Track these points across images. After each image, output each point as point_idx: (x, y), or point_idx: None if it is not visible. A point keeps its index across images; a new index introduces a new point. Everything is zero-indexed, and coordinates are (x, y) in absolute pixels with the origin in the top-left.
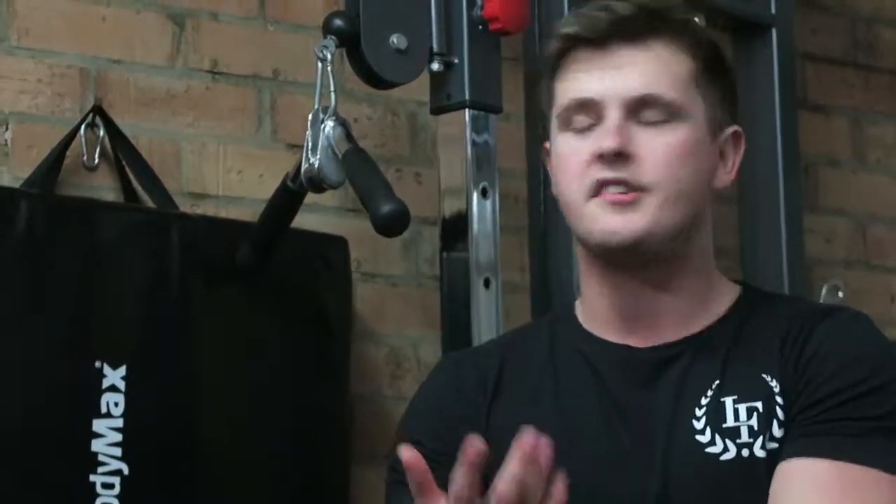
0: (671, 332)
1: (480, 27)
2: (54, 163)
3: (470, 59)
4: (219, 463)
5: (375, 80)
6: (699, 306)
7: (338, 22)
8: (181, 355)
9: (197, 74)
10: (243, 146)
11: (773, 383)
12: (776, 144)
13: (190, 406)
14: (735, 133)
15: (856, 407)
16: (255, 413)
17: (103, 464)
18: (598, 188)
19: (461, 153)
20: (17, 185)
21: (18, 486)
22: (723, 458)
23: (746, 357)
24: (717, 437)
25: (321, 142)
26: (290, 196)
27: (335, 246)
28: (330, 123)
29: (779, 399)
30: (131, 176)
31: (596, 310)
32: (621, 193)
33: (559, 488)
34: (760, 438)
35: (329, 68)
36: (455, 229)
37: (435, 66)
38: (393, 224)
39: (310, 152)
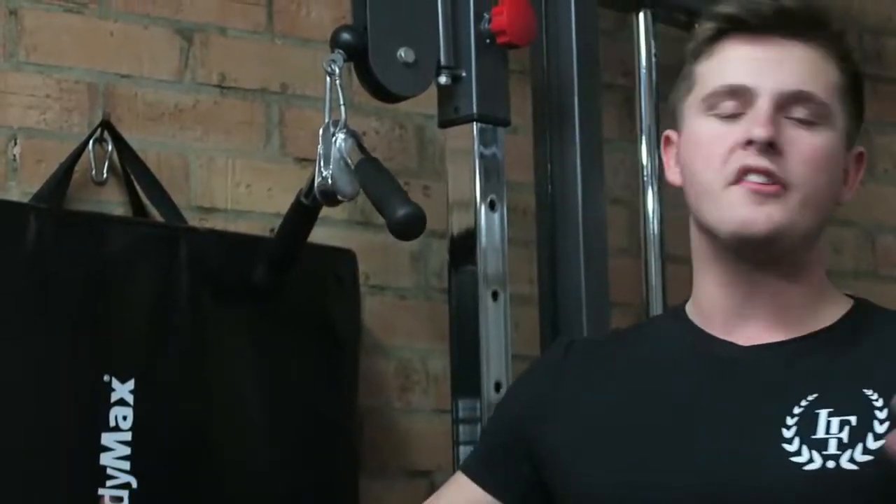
0: (776, 333)
1: (488, 40)
2: (63, 177)
3: (478, 72)
4: (227, 476)
5: (383, 93)
6: (808, 313)
7: (345, 36)
8: (189, 369)
9: (205, 89)
10: (252, 160)
11: (875, 397)
12: None
13: (198, 419)
14: (860, 154)
15: None
16: (264, 426)
17: (112, 477)
18: (741, 175)
19: (469, 166)
20: (26, 199)
21: (27, 499)
22: (807, 468)
23: (850, 370)
24: (805, 448)
25: (333, 154)
26: (304, 212)
27: (344, 259)
28: (341, 136)
29: (879, 414)
30: (140, 190)
31: (704, 304)
32: (765, 184)
33: None
34: (849, 451)
35: (338, 82)
36: (463, 242)
37: (442, 79)
38: (409, 227)
39: (322, 166)
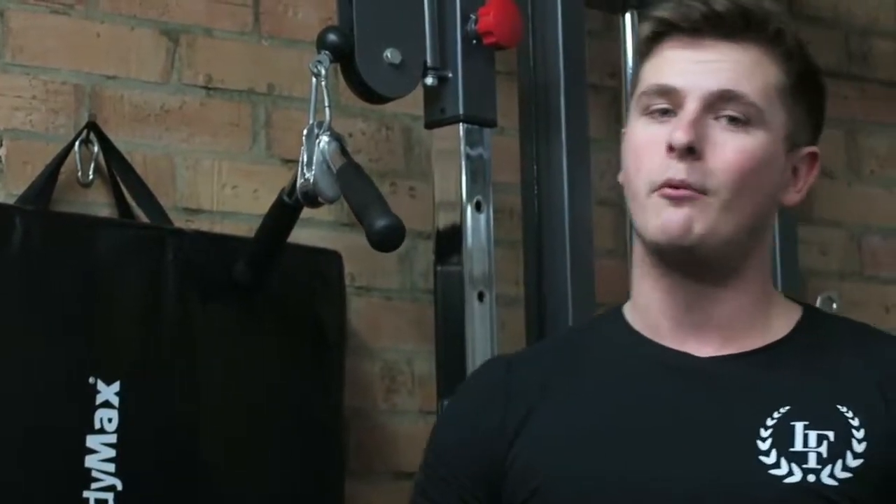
0: (728, 344)
1: (474, 41)
2: (49, 179)
3: (464, 73)
4: (213, 478)
5: (370, 94)
6: (757, 321)
7: (332, 37)
8: (175, 370)
9: (191, 90)
10: (238, 161)
11: (850, 415)
12: None
13: (184, 421)
14: (812, 154)
15: None
16: (250, 428)
17: (97, 479)
18: (662, 185)
19: (455, 167)
20: (11, 201)
21: (12, 500)
22: (787, 480)
23: (818, 382)
24: (783, 460)
25: (316, 157)
26: (286, 211)
27: (330, 260)
28: (325, 138)
29: (856, 433)
30: (126, 192)
31: (648, 312)
32: (682, 191)
33: None
34: (829, 467)
35: (323, 83)
36: (449, 243)
37: (429, 80)
38: (388, 239)
39: (305, 167)
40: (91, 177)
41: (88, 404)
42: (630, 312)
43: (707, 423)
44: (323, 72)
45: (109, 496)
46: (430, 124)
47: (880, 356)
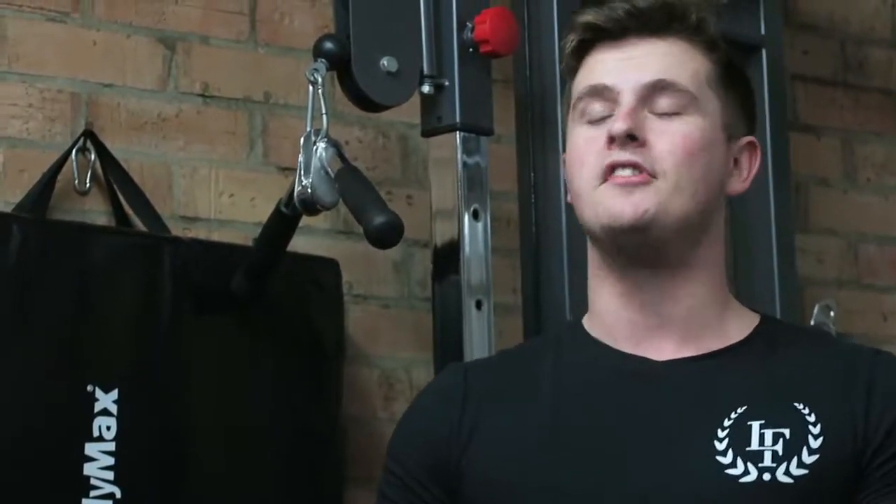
0: (685, 347)
1: (471, 49)
2: (45, 187)
3: (461, 81)
4: (211, 486)
5: (366, 102)
6: (713, 321)
7: (328, 45)
8: (173, 378)
9: (188, 98)
10: (235, 169)
11: (807, 411)
12: (767, 165)
13: (182, 429)
14: (751, 143)
15: None
16: (248, 436)
17: (96, 487)
18: (609, 172)
19: (452, 175)
20: (8, 209)
21: None
22: (742, 480)
23: (776, 383)
24: (740, 460)
25: (314, 163)
26: (284, 221)
27: (327, 268)
28: (322, 145)
29: (813, 429)
30: (122, 200)
31: (605, 317)
32: (631, 176)
33: None
34: (785, 464)
35: (320, 91)
36: (447, 251)
37: (426, 88)
38: (386, 235)
39: (302, 175)
40: (88, 185)
41: (87, 412)
42: (588, 321)
43: (664, 427)
44: (319, 80)
45: None
46: (427, 132)
47: (840, 356)
